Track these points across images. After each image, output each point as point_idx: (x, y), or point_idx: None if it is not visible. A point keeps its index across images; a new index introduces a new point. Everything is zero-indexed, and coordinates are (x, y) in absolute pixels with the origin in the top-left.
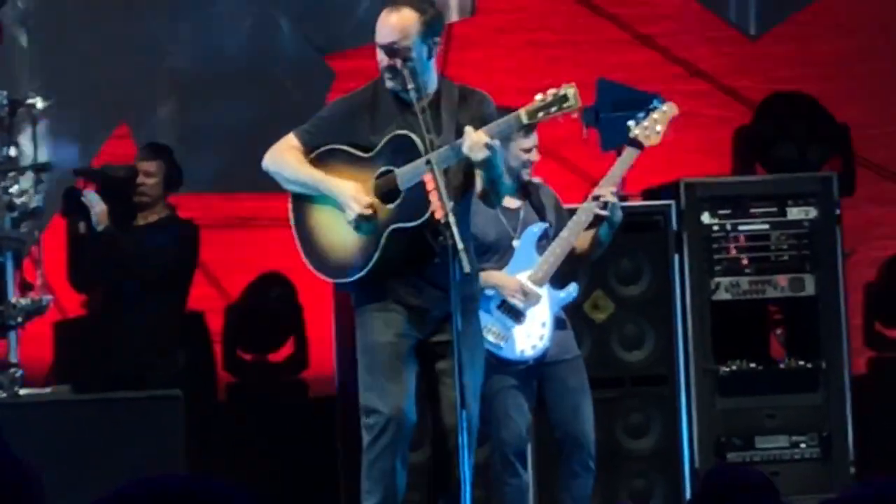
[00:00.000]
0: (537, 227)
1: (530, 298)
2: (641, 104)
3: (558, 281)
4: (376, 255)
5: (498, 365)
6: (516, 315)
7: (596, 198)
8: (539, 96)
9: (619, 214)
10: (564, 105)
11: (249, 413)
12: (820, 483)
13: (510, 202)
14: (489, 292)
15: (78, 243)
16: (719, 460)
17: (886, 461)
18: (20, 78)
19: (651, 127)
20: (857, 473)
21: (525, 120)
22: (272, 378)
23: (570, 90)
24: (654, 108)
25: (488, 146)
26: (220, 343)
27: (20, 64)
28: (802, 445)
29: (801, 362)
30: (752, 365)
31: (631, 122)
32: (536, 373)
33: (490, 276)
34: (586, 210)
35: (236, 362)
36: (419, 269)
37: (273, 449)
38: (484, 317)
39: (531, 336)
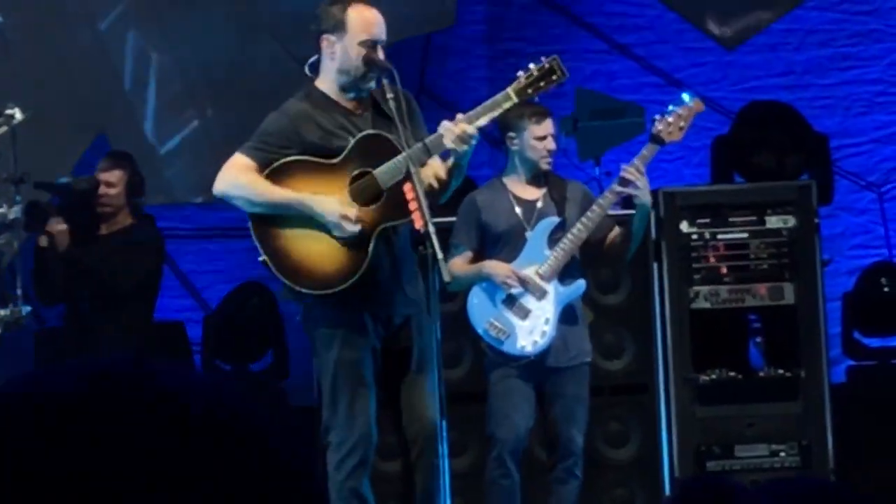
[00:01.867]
0: (549, 221)
1: (533, 291)
2: (619, 113)
3: (568, 277)
4: (367, 259)
5: (499, 360)
6: (520, 311)
7: (620, 182)
8: (522, 73)
9: (646, 197)
10: (553, 78)
11: None
12: None
13: (528, 193)
14: (493, 286)
15: (42, 258)
16: (699, 469)
17: (865, 470)
18: None
19: (675, 123)
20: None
21: (515, 98)
22: (252, 388)
23: (554, 62)
24: (680, 104)
25: (471, 136)
26: (199, 353)
27: None
28: (782, 454)
29: (781, 371)
30: (732, 374)
31: (656, 117)
32: (538, 376)
33: (483, 266)
34: (600, 204)
35: (216, 371)
36: (398, 271)
37: None
38: (488, 311)
39: (533, 332)
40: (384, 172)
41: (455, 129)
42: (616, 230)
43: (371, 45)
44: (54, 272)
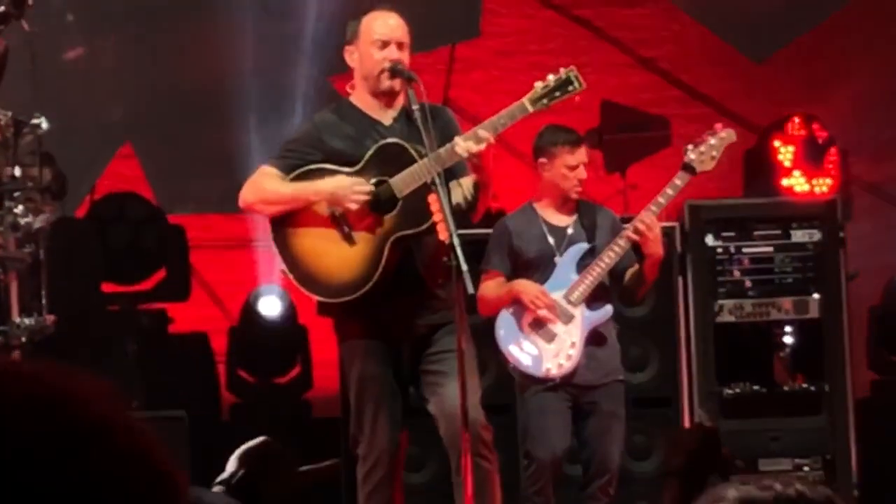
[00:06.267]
0: (579, 248)
1: (560, 316)
2: (644, 126)
3: (595, 301)
4: (381, 268)
5: (525, 382)
6: (546, 334)
7: (634, 230)
8: (539, 83)
9: (655, 248)
10: (569, 89)
11: (253, 433)
12: None
13: (559, 219)
14: (519, 312)
15: None
16: (722, 483)
17: (889, 484)
18: (24, 98)
19: (707, 152)
20: (860, 496)
21: (529, 108)
22: (276, 399)
23: (571, 73)
24: (713, 134)
25: (482, 137)
26: (223, 363)
27: (24, 84)
28: (806, 468)
29: (805, 385)
30: (756, 387)
31: (689, 146)
32: (572, 395)
33: (513, 284)
34: (625, 236)
35: (240, 383)
36: (422, 281)
37: None
38: (514, 335)
39: (559, 355)
40: (399, 181)
41: (465, 138)
42: (635, 268)
43: (382, 43)
44: None
